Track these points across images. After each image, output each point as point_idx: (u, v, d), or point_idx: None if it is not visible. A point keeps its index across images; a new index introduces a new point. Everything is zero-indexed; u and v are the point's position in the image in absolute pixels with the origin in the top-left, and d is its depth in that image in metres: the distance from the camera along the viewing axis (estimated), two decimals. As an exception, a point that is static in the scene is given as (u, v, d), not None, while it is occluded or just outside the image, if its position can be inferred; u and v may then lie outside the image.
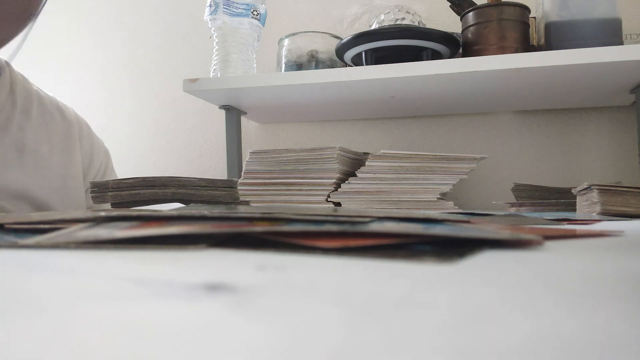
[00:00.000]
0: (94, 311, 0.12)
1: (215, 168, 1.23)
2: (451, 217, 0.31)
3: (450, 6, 0.92)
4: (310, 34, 0.98)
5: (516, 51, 0.81)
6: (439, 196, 0.78)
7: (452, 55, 0.89)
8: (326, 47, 0.97)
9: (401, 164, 0.79)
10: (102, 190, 0.52)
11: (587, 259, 0.20)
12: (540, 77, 0.82)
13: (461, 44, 0.87)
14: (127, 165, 1.26)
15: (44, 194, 0.64)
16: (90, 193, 0.52)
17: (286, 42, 0.99)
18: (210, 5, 0.90)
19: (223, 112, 1.03)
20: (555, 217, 0.47)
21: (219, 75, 0.91)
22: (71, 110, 0.74)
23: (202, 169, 1.24)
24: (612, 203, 0.57)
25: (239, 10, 0.90)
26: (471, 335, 0.10)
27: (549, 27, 0.80)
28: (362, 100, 0.98)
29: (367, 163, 0.80)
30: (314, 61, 0.97)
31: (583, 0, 0.78)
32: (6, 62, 0.66)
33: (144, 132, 1.28)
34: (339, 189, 0.80)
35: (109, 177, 0.76)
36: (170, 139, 1.26)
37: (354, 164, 0.85)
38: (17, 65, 0.73)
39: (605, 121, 1.03)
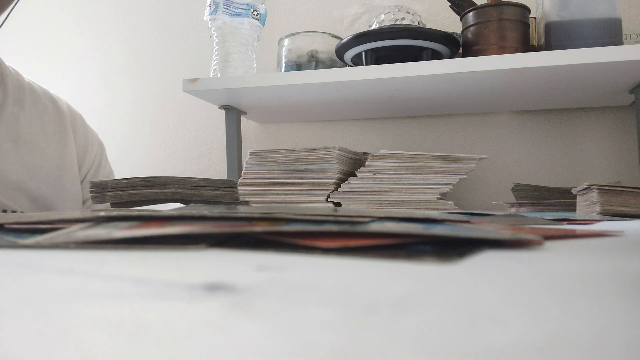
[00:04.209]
0: (94, 311, 0.12)
1: (215, 168, 1.23)
2: (451, 217, 0.31)
3: (450, 6, 0.92)
4: (310, 34, 0.98)
5: (516, 51, 0.81)
6: (439, 196, 0.78)
7: (452, 55, 0.89)
8: (326, 47, 0.97)
9: (401, 164, 0.79)
10: (102, 190, 0.52)
11: (587, 259, 0.20)
12: (540, 77, 0.82)
13: (461, 44, 0.87)
14: (126, 165, 1.26)
15: (40, 185, 0.63)
16: (90, 193, 0.52)
17: (286, 42, 0.99)
18: (210, 5, 0.90)
19: (223, 112, 1.03)
20: (555, 217, 0.47)
21: (219, 75, 0.91)
22: (64, 102, 0.74)
23: (202, 169, 1.24)
24: (611, 203, 0.57)
25: (239, 10, 0.90)
26: (471, 335, 0.10)
27: (549, 27, 0.80)
28: (362, 100, 0.98)
29: (367, 163, 0.80)
30: (314, 61, 0.97)
31: (583, 0, 0.78)
32: None
33: (144, 132, 1.28)
34: (339, 189, 0.80)
35: (103, 169, 0.76)
36: (170, 138, 1.26)
37: (354, 164, 0.85)
38: (18, 66, 0.73)
39: (605, 121, 1.03)
